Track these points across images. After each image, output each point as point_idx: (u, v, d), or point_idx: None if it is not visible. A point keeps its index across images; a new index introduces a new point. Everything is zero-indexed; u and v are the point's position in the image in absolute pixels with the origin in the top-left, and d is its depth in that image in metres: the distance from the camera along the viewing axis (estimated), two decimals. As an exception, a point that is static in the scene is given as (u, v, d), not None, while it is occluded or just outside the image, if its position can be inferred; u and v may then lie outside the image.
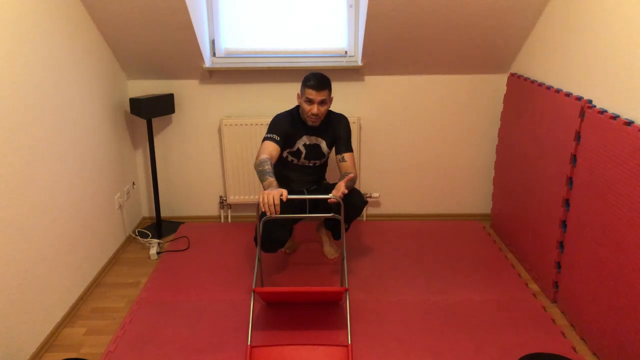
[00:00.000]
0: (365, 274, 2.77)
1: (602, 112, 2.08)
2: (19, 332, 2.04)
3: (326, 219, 2.79)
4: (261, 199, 2.10)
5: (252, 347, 2.13)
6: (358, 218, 3.39)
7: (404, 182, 3.44)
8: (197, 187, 3.44)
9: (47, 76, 2.27)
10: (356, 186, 2.86)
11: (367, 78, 3.20)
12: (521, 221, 2.86)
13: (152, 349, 2.19)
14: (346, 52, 3.16)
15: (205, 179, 3.42)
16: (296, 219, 2.70)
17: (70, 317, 2.44)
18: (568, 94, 2.35)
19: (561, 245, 2.42)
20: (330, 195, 2.23)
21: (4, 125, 1.95)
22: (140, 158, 3.39)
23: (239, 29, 3.13)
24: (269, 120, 2.85)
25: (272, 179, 2.23)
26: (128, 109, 3.21)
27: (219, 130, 3.30)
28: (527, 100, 2.77)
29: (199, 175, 3.41)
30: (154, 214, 3.49)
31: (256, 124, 3.18)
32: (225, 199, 3.43)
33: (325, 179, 2.85)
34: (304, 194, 2.71)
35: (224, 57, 3.17)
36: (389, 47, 2.96)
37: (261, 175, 2.27)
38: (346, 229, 2.75)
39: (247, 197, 3.35)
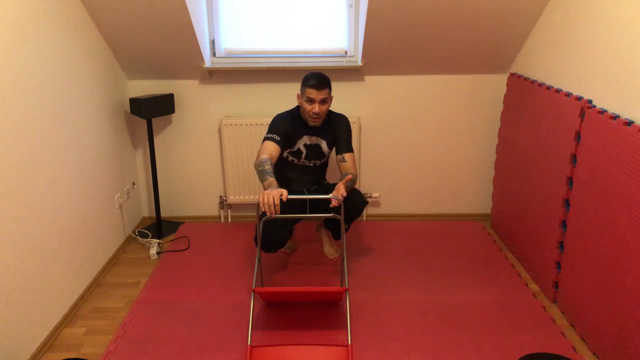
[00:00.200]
0: (365, 274, 2.77)
1: (602, 112, 2.08)
2: (19, 332, 2.04)
3: (326, 219, 2.79)
4: (261, 199, 2.10)
5: (252, 347, 2.13)
6: (358, 218, 3.39)
7: (404, 182, 3.44)
8: (197, 187, 3.44)
9: (47, 76, 2.27)
10: (356, 186, 2.86)
11: (367, 78, 3.20)
12: (521, 221, 2.86)
13: (152, 349, 2.19)
14: (346, 52, 3.16)
15: (205, 179, 3.42)
16: (296, 219, 2.70)
17: (70, 317, 2.44)
18: (568, 94, 2.35)
19: (561, 245, 2.42)
20: (330, 196, 2.23)
21: (4, 125, 1.95)
22: (140, 158, 3.39)
23: (239, 29, 3.13)
24: (269, 120, 2.85)
25: (272, 179, 2.23)
26: (128, 109, 3.21)
27: (219, 130, 3.30)
28: (527, 100, 2.77)
29: (199, 175, 3.41)
30: (154, 214, 3.49)
31: (256, 124, 3.18)
32: (225, 199, 3.43)
33: (325, 179, 2.85)
34: (304, 194, 2.71)
35: (224, 57, 3.17)
36: (389, 47, 2.96)
37: (261, 175, 2.27)
38: (346, 229, 2.75)
39: (247, 197, 3.35)
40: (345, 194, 2.27)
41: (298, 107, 2.62)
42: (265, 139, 2.48)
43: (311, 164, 2.69)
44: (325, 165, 2.78)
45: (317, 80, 2.43)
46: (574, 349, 2.17)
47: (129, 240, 3.19)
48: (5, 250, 1.96)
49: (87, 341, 2.26)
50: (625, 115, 1.98)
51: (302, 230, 3.29)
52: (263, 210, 2.10)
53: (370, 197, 3.46)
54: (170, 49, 2.93)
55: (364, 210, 3.47)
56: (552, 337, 2.24)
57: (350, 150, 2.60)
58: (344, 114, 2.69)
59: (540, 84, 2.63)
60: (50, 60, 2.30)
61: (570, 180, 2.33)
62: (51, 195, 2.29)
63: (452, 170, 3.41)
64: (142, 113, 2.96)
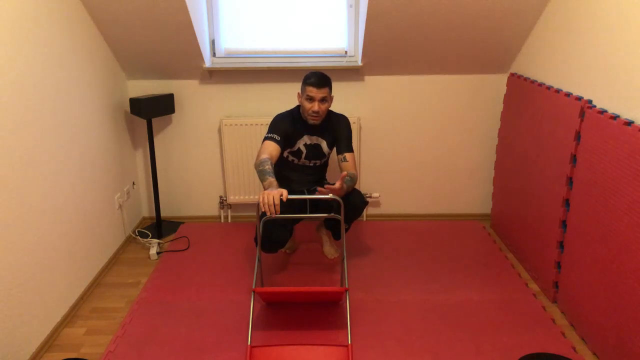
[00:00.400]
0: (365, 274, 2.77)
1: (602, 112, 2.08)
2: (19, 332, 2.04)
3: (326, 219, 2.79)
4: (261, 199, 2.10)
5: (252, 347, 2.14)
6: (358, 218, 3.39)
7: (404, 182, 3.44)
8: (197, 187, 3.44)
9: (47, 76, 2.27)
10: (356, 186, 2.87)
11: (367, 78, 3.20)
12: (521, 221, 2.86)
13: (152, 349, 2.19)
14: (346, 52, 3.16)
15: (205, 179, 3.42)
16: (296, 219, 2.70)
17: (70, 317, 2.44)
18: (568, 94, 2.35)
19: (561, 245, 2.42)
20: (330, 196, 2.23)
21: (4, 125, 1.95)
22: (140, 158, 3.39)
23: (239, 29, 3.13)
24: (269, 120, 2.85)
25: (272, 179, 2.23)
26: (128, 109, 3.21)
27: (219, 130, 3.30)
28: (527, 100, 2.77)
29: (199, 175, 3.41)
30: (154, 214, 3.49)
31: (256, 124, 3.18)
32: (225, 199, 3.43)
33: (325, 179, 2.85)
34: (304, 194, 2.71)
35: (224, 57, 3.17)
36: (389, 47, 2.96)
37: (261, 175, 2.27)
38: (346, 229, 2.75)
39: (247, 197, 3.35)
40: (344, 186, 2.27)
41: (298, 107, 2.62)
42: (266, 138, 2.48)
43: (311, 164, 2.69)
44: (325, 165, 2.78)
45: (318, 78, 2.43)
46: (574, 349, 2.17)
47: (129, 240, 3.19)
48: (6, 250, 1.96)
49: (87, 341, 2.26)
50: (625, 115, 1.98)
51: (302, 230, 3.29)
52: (263, 210, 2.10)
53: (370, 197, 3.46)
54: (170, 48, 2.93)
55: (364, 210, 3.47)
56: (552, 337, 2.24)
57: (351, 150, 2.60)
58: (344, 114, 2.69)
59: (540, 84, 2.63)
60: (50, 60, 2.30)
61: (570, 180, 2.33)
62: (51, 195, 2.29)
63: (452, 170, 3.41)
64: (142, 113, 2.96)
